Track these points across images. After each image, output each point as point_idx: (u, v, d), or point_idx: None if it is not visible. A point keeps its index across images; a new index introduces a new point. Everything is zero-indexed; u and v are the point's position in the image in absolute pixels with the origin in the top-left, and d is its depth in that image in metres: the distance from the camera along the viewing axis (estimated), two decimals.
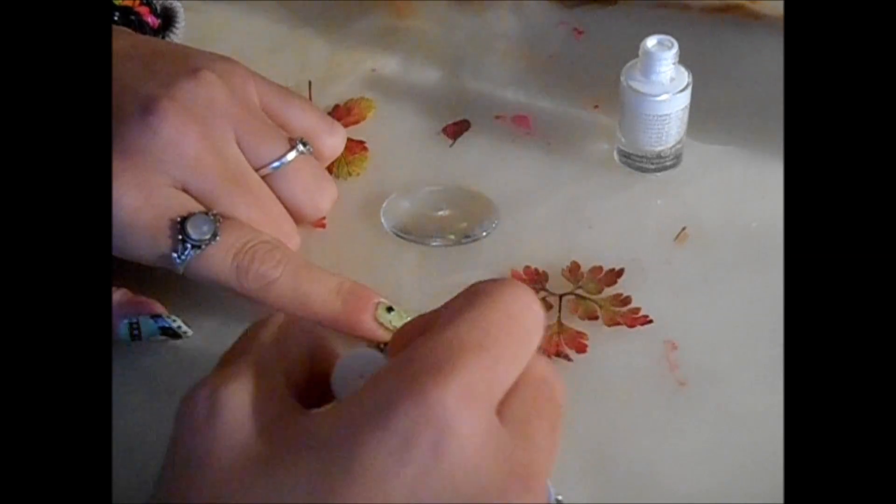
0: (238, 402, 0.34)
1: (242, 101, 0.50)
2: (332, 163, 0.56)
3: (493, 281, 0.36)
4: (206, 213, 0.47)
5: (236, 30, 0.64)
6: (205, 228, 0.46)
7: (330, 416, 0.33)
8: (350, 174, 0.56)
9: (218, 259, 0.46)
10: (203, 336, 0.49)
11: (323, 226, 0.54)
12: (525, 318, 0.36)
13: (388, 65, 0.62)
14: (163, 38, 0.58)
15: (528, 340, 0.36)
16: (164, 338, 0.48)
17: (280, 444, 0.33)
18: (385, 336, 0.47)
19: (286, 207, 0.50)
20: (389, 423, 0.32)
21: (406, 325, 0.39)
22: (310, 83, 0.60)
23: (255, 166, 0.50)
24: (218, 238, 0.46)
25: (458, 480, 0.32)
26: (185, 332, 0.49)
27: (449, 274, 0.52)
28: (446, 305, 0.36)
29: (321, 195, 0.52)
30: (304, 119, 0.53)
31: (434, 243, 0.53)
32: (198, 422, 0.34)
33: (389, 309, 0.48)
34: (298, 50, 0.63)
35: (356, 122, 0.59)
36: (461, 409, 0.32)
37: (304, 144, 0.51)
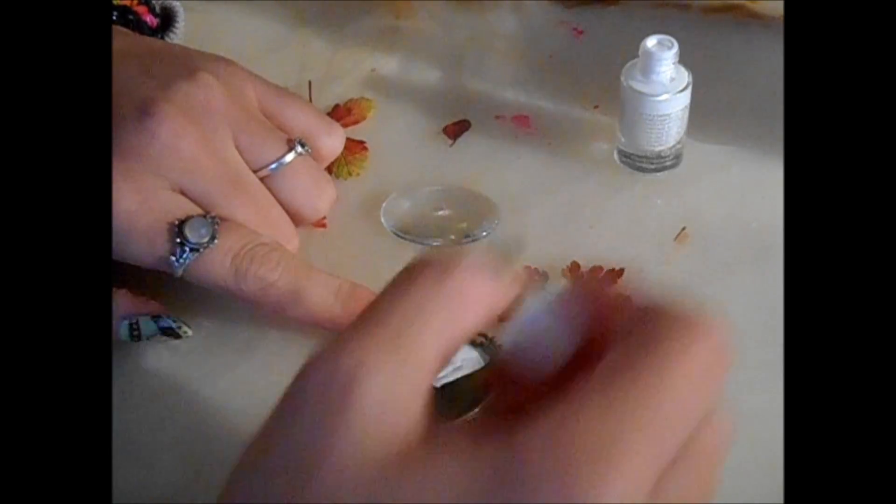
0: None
1: (240, 103, 0.50)
2: (332, 163, 0.56)
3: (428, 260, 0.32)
4: (204, 216, 0.47)
5: (236, 30, 0.64)
6: (203, 231, 0.46)
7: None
8: (350, 174, 0.56)
9: (216, 262, 0.46)
10: (203, 336, 0.49)
11: (324, 226, 0.54)
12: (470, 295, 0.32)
13: (388, 65, 0.62)
14: (161, 38, 0.58)
15: (468, 318, 0.32)
16: (164, 338, 0.48)
17: (434, 444, 0.29)
18: None
19: (285, 209, 0.50)
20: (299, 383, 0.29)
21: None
22: (310, 83, 0.60)
23: (254, 168, 0.50)
24: (216, 241, 0.46)
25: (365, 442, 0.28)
26: (185, 332, 0.49)
27: None
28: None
29: (320, 196, 0.52)
30: (303, 120, 0.53)
31: (434, 243, 0.53)
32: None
33: None
34: (298, 50, 0.63)
35: (356, 122, 0.59)
36: (360, 373, 0.29)
37: (303, 145, 0.51)
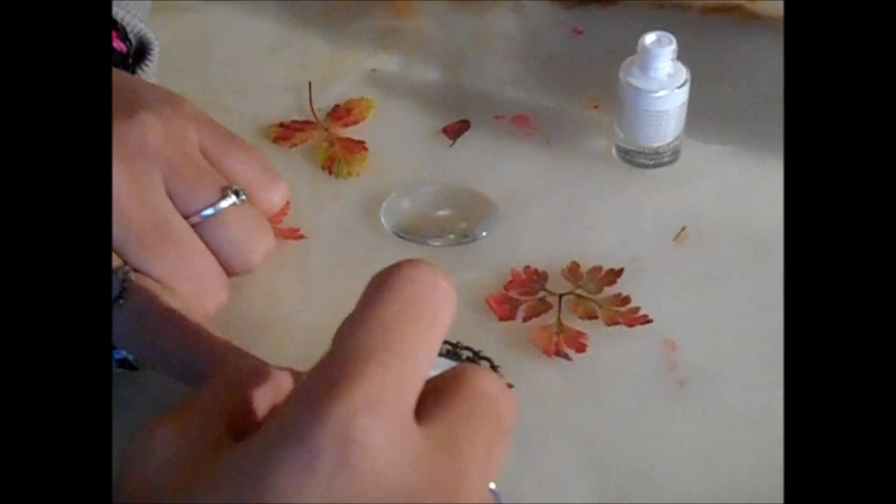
0: (169, 439, 0.34)
1: (177, 145, 0.48)
2: (332, 162, 0.56)
3: (390, 267, 0.35)
4: (116, 271, 0.45)
5: (236, 30, 0.64)
6: (113, 287, 0.44)
7: (245, 444, 0.33)
8: (350, 174, 0.56)
9: (118, 322, 0.44)
10: None
11: (301, 237, 0.53)
12: (429, 300, 0.35)
13: (388, 65, 0.62)
14: (133, 70, 0.55)
15: (437, 322, 0.35)
16: (121, 370, 0.47)
17: (200, 476, 0.33)
18: None
19: (216, 257, 0.48)
20: (295, 444, 0.31)
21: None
22: (310, 83, 0.60)
23: (185, 214, 0.47)
24: (122, 301, 0.44)
25: (371, 494, 0.31)
26: (141, 364, 0.47)
27: (449, 274, 0.51)
28: (357, 305, 0.35)
29: (251, 249, 0.48)
30: (246, 170, 0.50)
31: (434, 243, 0.53)
32: (133, 457, 0.34)
33: None
34: (298, 50, 0.63)
35: (356, 122, 0.59)
36: (365, 421, 0.31)
37: (238, 194, 0.48)
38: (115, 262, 0.45)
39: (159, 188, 0.47)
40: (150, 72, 0.56)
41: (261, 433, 0.33)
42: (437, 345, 0.35)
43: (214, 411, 0.36)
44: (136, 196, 0.46)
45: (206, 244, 0.48)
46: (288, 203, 0.53)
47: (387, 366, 0.32)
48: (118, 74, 0.51)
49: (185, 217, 0.47)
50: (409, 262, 0.35)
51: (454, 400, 0.34)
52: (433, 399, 0.34)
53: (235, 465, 0.32)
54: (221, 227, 0.48)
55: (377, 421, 0.31)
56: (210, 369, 0.42)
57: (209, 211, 0.47)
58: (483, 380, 0.35)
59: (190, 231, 0.47)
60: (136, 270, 0.45)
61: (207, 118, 0.51)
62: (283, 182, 0.52)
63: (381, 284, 0.35)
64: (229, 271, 0.48)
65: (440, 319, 0.35)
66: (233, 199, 0.48)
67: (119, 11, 0.54)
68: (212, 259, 0.48)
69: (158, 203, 0.47)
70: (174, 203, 0.47)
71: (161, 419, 0.35)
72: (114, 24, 0.53)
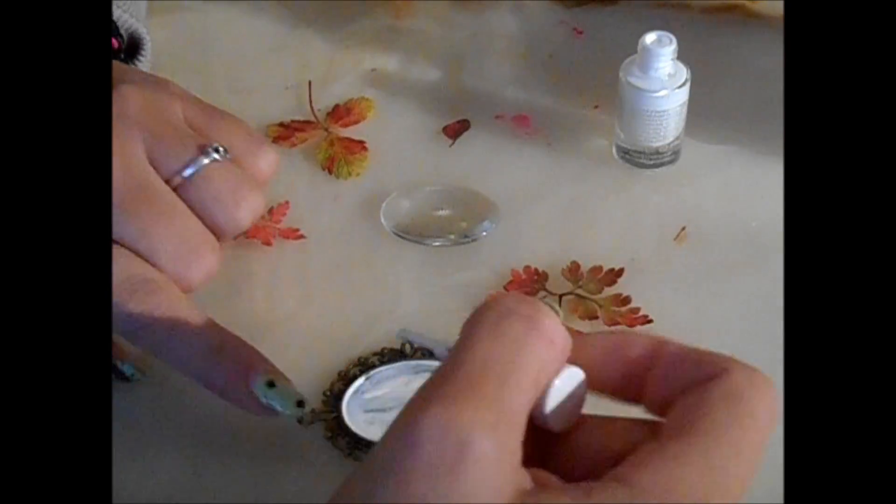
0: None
1: (158, 113, 0.47)
2: (332, 162, 0.56)
3: (490, 305, 0.34)
4: None
5: (236, 30, 0.64)
6: None
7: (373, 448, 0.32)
8: (350, 174, 0.56)
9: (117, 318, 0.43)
10: None
11: (302, 237, 0.53)
12: (537, 348, 0.33)
13: (388, 65, 0.62)
14: (125, 63, 0.54)
15: (543, 370, 0.34)
16: (115, 382, 0.46)
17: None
18: (260, 411, 0.43)
19: (202, 220, 0.47)
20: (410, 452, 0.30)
21: None
22: (310, 83, 0.60)
23: (166, 176, 0.46)
24: None
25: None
26: (133, 375, 0.47)
27: (449, 274, 0.52)
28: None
29: (237, 206, 0.47)
30: (232, 138, 0.49)
31: (434, 243, 0.53)
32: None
33: (271, 384, 0.43)
34: (298, 50, 0.63)
35: (356, 122, 0.59)
36: (478, 434, 0.30)
37: (218, 150, 0.47)
38: None
39: (139, 153, 0.46)
40: (143, 67, 0.56)
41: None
42: (544, 372, 0.34)
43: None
44: (116, 161, 0.45)
45: (191, 206, 0.46)
46: (288, 203, 0.53)
47: (490, 384, 0.32)
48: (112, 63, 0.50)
49: (167, 180, 0.46)
50: (521, 301, 0.34)
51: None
52: None
53: (361, 468, 0.32)
54: (204, 184, 0.46)
55: (491, 438, 0.31)
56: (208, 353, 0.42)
57: (190, 170, 0.46)
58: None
59: (171, 192, 0.46)
60: (116, 242, 0.44)
61: (193, 96, 0.50)
62: (271, 147, 0.51)
63: (486, 320, 0.34)
64: (218, 233, 0.47)
65: (546, 368, 0.34)
66: (213, 155, 0.47)
67: (113, 8, 0.54)
68: (195, 219, 0.46)
69: (138, 167, 0.46)
70: (156, 169, 0.46)
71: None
72: None
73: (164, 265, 0.45)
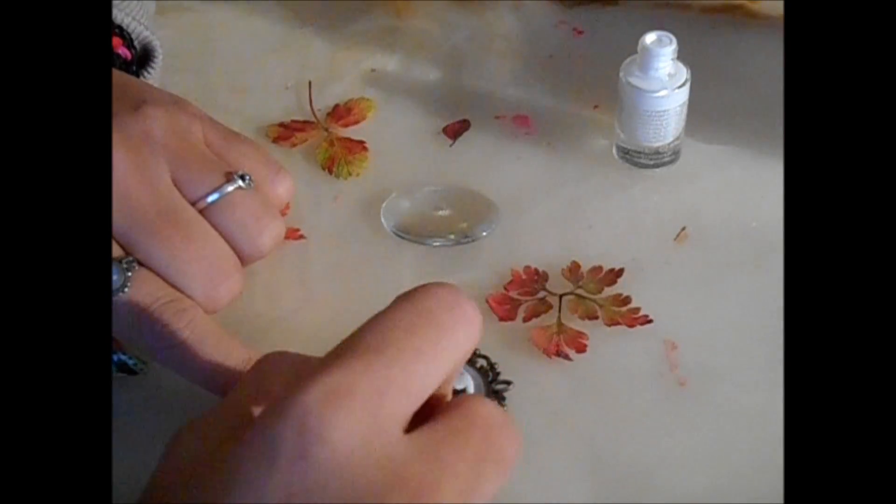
0: (187, 440, 0.36)
1: (182, 136, 0.48)
2: (332, 162, 0.56)
3: (421, 285, 0.36)
4: (120, 261, 0.44)
5: (236, 30, 0.64)
6: (113, 279, 0.44)
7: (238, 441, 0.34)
8: (350, 174, 0.56)
9: (120, 313, 0.44)
10: None
11: (302, 237, 0.53)
12: (441, 316, 0.35)
13: (388, 65, 0.62)
14: (136, 74, 0.55)
15: (446, 338, 0.35)
16: (120, 374, 0.47)
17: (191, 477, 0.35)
18: None
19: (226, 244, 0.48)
20: (258, 436, 0.32)
21: None
22: (310, 83, 0.60)
23: (191, 200, 0.47)
24: (126, 290, 0.44)
25: (330, 486, 0.31)
26: (140, 368, 0.47)
27: (449, 274, 0.52)
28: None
29: (259, 232, 0.48)
30: (251, 163, 0.50)
31: (434, 243, 0.53)
32: (161, 459, 0.36)
33: None
34: (298, 50, 0.63)
35: (356, 122, 0.59)
36: (327, 413, 0.31)
37: (244, 178, 0.48)
38: (117, 251, 0.45)
39: (165, 176, 0.47)
40: (153, 77, 0.56)
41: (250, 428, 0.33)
42: (442, 359, 0.35)
43: (234, 412, 0.37)
44: (143, 184, 0.46)
45: (215, 230, 0.47)
46: (288, 203, 0.53)
47: (367, 364, 0.33)
48: (125, 76, 0.51)
49: (192, 204, 0.47)
50: (438, 282, 0.36)
51: (449, 417, 0.34)
52: (432, 417, 0.35)
53: (217, 462, 0.33)
54: (228, 210, 0.47)
55: (340, 414, 0.32)
56: (218, 367, 0.43)
57: (215, 196, 0.47)
58: (483, 406, 0.35)
59: (198, 216, 0.47)
60: (140, 264, 0.45)
61: (210, 118, 0.51)
62: (289, 174, 0.52)
63: (402, 296, 0.35)
64: (241, 258, 0.48)
65: (452, 337, 0.35)
66: (238, 182, 0.48)
67: (125, 18, 0.54)
68: (222, 242, 0.47)
69: (165, 190, 0.47)
70: (180, 191, 0.47)
71: (191, 422, 0.36)
72: (119, 31, 0.54)
73: (193, 287, 0.46)
